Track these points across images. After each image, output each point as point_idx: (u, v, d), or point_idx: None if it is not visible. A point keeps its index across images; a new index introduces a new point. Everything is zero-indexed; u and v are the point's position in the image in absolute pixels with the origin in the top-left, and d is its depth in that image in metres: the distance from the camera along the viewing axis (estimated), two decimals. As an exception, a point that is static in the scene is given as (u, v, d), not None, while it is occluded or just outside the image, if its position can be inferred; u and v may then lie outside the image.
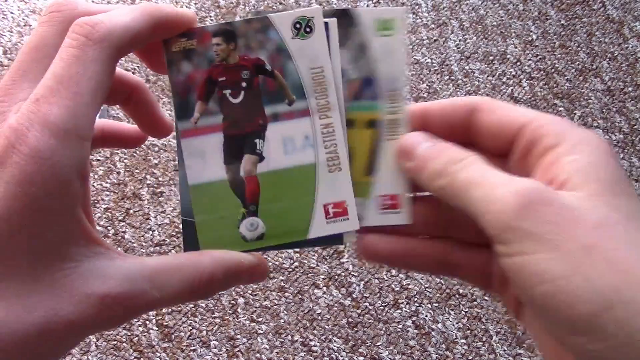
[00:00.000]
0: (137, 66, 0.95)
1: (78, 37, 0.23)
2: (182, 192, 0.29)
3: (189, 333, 0.75)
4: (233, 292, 0.77)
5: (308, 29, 0.28)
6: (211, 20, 1.01)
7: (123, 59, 0.96)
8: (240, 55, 0.28)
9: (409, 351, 0.75)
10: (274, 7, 1.04)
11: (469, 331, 0.76)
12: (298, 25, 0.28)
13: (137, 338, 0.74)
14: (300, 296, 0.77)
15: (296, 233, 0.28)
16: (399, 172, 0.29)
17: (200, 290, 0.25)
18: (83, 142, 0.23)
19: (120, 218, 0.82)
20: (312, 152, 0.28)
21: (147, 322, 0.75)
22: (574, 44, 1.02)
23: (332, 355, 0.74)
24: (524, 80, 0.98)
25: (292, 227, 0.28)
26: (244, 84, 0.29)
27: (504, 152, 0.28)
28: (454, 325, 0.76)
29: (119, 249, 0.80)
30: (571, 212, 0.22)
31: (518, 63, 1.00)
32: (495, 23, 1.04)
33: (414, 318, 0.77)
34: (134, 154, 0.87)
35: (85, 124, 0.23)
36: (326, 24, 0.28)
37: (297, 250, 0.80)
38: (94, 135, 0.30)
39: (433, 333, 0.76)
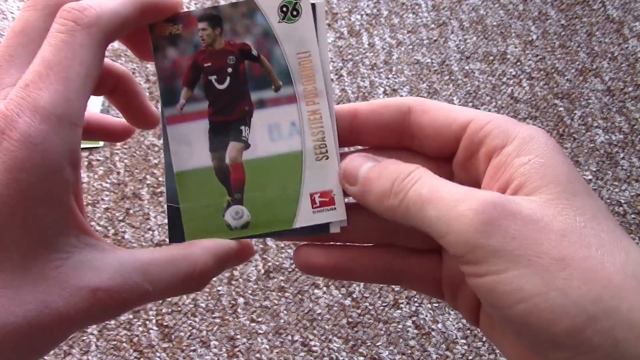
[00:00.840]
0: (138, 66, 0.95)
1: (66, 22, 0.23)
2: (168, 178, 0.28)
3: (189, 333, 0.75)
4: (233, 292, 0.77)
5: (295, 13, 0.28)
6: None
7: (123, 58, 0.96)
8: (226, 40, 0.28)
9: (409, 351, 0.75)
10: None
11: (469, 331, 0.76)
12: (285, 9, 0.28)
13: (137, 338, 0.74)
14: (300, 296, 0.77)
15: (282, 222, 0.28)
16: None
17: (193, 282, 0.25)
18: (74, 127, 0.22)
19: (120, 218, 0.82)
20: (299, 139, 0.28)
21: (147, 322, 0.75)
22: (574, 44, 1.02)
23: (332, 355, 0.74)
24: (524, 80, 0.98)
25: (277, 216, 0.28)
26: (229, 70, 0.28)
27: (445, 154, 0.27)
28: (454, 325, 0.76)
29: (119, 249, 0.80)
30: (537, 223, 0.21)
31: (518, 63, 1.00)
32: (495, 23, 1.04)
33: (414, 318, 0.77)
34: (134, 154, 0.87)
35: (76, 109, 0.22)
36: (313, 6, 0.28)
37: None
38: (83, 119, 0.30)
39: (433, 333, 0.76)
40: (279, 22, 0.28)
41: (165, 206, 0.29)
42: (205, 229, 0.28)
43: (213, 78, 0.28)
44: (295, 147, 0.28)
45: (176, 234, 0.28)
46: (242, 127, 0.28)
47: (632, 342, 0.19)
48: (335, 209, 0.28)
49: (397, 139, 0.28)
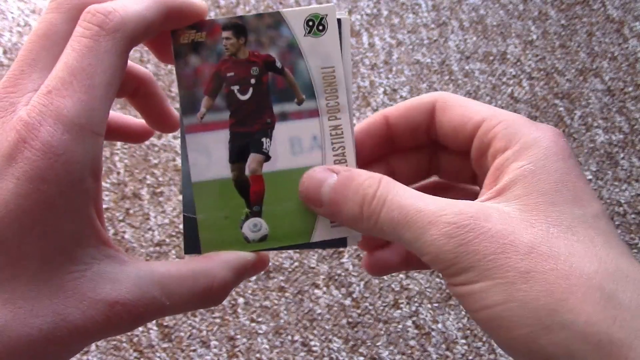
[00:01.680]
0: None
1: (91, 26, 0.22)
2: (185, 188, 0.28)
3: (189, 333, 0.74)
4: (233, 292, 0.77)
5: (321, 27, 0.28)
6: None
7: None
8: (250, 50, 0.28)
9: (409, 351, 0.75)
10: (274, 7, 1.04)
11: (469, 331, 0.76)
12: (311, 23, 0.28)
13: (137, 338, 0.74)
14: (300, 296, 0.77)
15: (299, 236, 0.28)
16: None
17: (211, 296, 0.25)
18: (97, 137, 0.22)
19: (120, 218, 0.82)
20: (319, 153, 0.28)
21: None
22: (574, 44, 1.02)
23: (332, 355, 0.74)
24: (524, 80, 0.98)
25: (295, 229, 0.28)
26: (252, 81, 0.28)
27: (466, 149, 0.27)
28: (454, 325, 0.76)
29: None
30: (506, 237, 0.22)
31: (518, 63, 1.00)
32: (495, 23, 1.04)
33: (414, 318, 0.77)
34: (134, 154, 0.87)
35: (99, 118, 0.22)
36: (339, 21, 0.28)
37: (297, 250, 0.80)
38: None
39: (433, 333, 0.76)
40: (305, 35, 0.28)
41: (182, 216, 0.29)
42: (222, 241, 0.28)
43: (235, 88, 0.28)
44: (315, 161, 0.28)
45: (192, 245, 0.28)
46: (263, 139, 0.28)
47: (588, 353, 0.20)
48: None
49: (428, 136, 0.28)
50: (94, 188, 0.22)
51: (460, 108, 0.27)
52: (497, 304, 0.21)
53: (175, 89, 0.94)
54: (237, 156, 0.28)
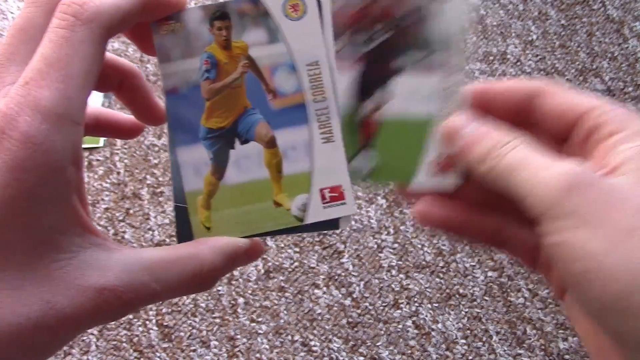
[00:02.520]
0: (137, 65, 0.95)
1: (66, 17, 0.22)
2: (174, 176, 0.28)
3: (189, 333, 0.74)
4: (233, 292, 0.77)
5: (299, 10, 0.28)
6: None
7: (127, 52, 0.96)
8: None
9: (409, 351, 0.75)
10: None
11: (469, 331, 0.76)
12: (289, 5, 0.28)
13: (137, 338, 0.74)
14: (300, 296, 0.77)
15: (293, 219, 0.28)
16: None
17: (201, 281, 0.25)
18: (76, 126, 0.22)
19: (120, 218, 0.82)
20: (306, 129, 0.28)
21: (147, 322, 0.75)
22: (574, 44, 1.02)
23: (332, 355, 0.74)
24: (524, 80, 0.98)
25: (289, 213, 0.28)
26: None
27: (564, 135, 0.27)
28: (454, 325, 0.76)
29: (119, 249, 0.80)
30: (616, 195, 0.22)
31: (518, 63, 1.00)
32: (495, 23, 1.04)
33: (414, 318, 0.77)
34: (134, 154, 0.87)
35: (78, 107, 0.22)
36: (319, 3, 0.28)
37: (297, 250, 0.80)
38: (89, 122, 0.29)
39: (433, 333, 0.76)
40: (284, 18, 0.28)
41: (173, 206, 0.29)
42: (215, 226, 0.28)
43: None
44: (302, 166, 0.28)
45: (184, 234, 0.28)
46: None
47: None
48: (345, 203, 0.28)
49: (522, 117, 0.29)
50: (75, 177, 0.22)
51: (570, 94, 0.27)
52: (596, 254, 0.21)
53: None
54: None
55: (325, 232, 0.29)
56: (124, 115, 0.31)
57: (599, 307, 0.21)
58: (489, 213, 0.29)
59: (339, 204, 0.28)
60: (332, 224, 0.28)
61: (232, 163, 0.28)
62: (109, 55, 0.27)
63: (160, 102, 0.31)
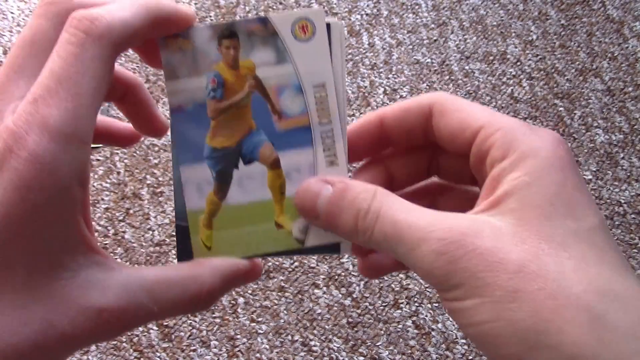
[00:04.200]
0: (137, 65, 0.95)
1: (77, 32, 0.22)
2: (176, 197, 0.28)
3: (189, 333, 0.74)
4: (233, 292, 0.77)
5: (309, 32, 0.27)
6: (211, 19, 1.01)
7: (122, 58, 0.96)
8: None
9: (409, 351, 0.75)
10: (274, 7, 1.04)
11: (469, 331, 0.76)
12: (299, 27, 0.28)
13: (137, 338, 0.74)
14: (300, 296, 0.77)
15: (293, 241, 0.28)
16: None
17: (200, 302, 0.25)
18: (83, 146, 0.22)
19: (120, 218, 0.82)
20: (311, 152, 0.28)
21: (147, 322, 0.75)
22: (574, 44, 1.02)
23: (332, 355, 0.74)
24: (524, 80, 0.98)
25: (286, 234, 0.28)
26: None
27: (465, 154, 0.27)
28: (454, 325, 0.76)
29: (119, 249, 0.80)
30: (495, 255, 0.22)
31: (518, 63, 1.00)
32: (495, 23, 1.04)
33: (414, 318, 0.77)
34: (134, 154, 0.87)
35: (86, 126, 0.22)
36: (328, 26, 0.27)
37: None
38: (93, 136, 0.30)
39: (433, 333, 0.76)
40: (294, 40, 0.27)
41: (174, 225, 0.29)
42: (215, 247, 0.28)
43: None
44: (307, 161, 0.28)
45: (184, 252, 0.28)
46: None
47: None
48: None
49: (425, 138, 0.28)
50: (81, 196, 0.22)
51: (457, 113, 0.26)
52: (485, 321, 0.22)
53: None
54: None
55: (327, 255, 0.29)
56: (122, 124, 0.31)
57: None
58: None
59: None
60: (333, 249, 0.28)
61: (235, 183, 0.28)
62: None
63: (161, 114, 0.31)
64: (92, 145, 0.22)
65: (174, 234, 0.81)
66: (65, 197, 0.21)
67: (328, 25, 0.27)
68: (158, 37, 0.27)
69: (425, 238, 0.23)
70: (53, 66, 0.22)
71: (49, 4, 0.23)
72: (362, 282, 0.79)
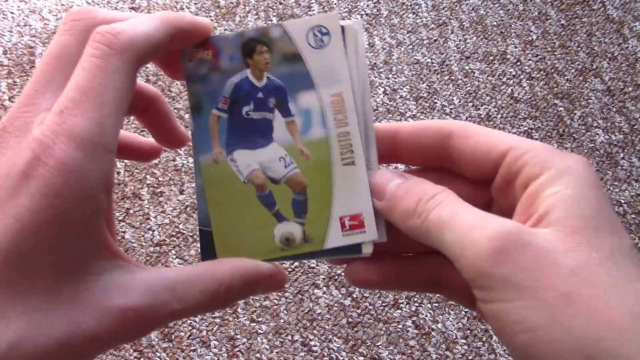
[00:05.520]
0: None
1: (100, 46, 0.23)
2: (200, 202, 0.28)
3: (189, 333, 0.75)
4: (233, 292, 0.77)
5: (324, 38, 0.28)
6: (211, 19, 1.01)
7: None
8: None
9: (409, 351, 0.75)
10: (274, 7, 1.04)
11: (469, 331, 0.76)
12: (314, 34, 0.28)
13: (137, 338, 0.74)
14: (300, 296, 0.77)
15: (312, 244, 0.28)
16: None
17: (220, 299, 0.25)
18: (108, 154, 0.23)
19: (120, 218, 0.82)
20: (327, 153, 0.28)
21: (147, 322, 0.75)
22: (574, 44, 1.02)
23: (332, 355, 0.74)
24: (524, 80, 0.98)
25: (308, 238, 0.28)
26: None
27: (486, 179, 0.27)
28: (454, 325, 0.76)
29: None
30: (548, 256, 0.21)
31: (518, 63, 1.00)
32: (495, 23, 1.04)
33: (414, 318, 0.77)
34: (134, 154, 0.87)
35: (110, 135, 0.23)
36: (342, 29, 0.27)
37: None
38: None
39: (433, 333, 0.76)
40: (309, 48, 0.28)
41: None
42: (238, 249, 0.28)
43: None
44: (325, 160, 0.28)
45: (208, 257, 0.28)
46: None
47: None
48: (365, 232, 0.28)
49: (437, 160, 0.28)
50: (105, 203, 0.23)
51: (482, 136, 0.26)
52: (538, 327, 0.20)
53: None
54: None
55: (343, 257, 0.29)
56: (142, 138, 0.32)
57: None
58: (422, 259, 0.29)
59: (359, 232, 0.28)
60: (354, 249, 0.28)
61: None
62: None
63: (181, 126, 0.31)
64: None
65: (174, 234, 0.81)
66: (91, 204, 0.22)
67: (342, 28, 0.27)
68: (179, 49, 0.28)
69: (479, 227, 0.22)
70: (78, 79, 0.23)
71: (74, 20, 0.24)
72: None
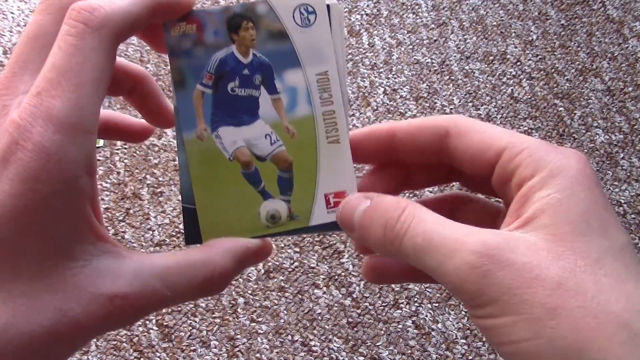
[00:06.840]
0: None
1: (76, 24, 0.22)
2: (182, 179, 0.28)
3: (189, 333, 0.75)
4: (233, 292, 0.77)
5: (310, 17, 0.28)
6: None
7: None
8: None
9: (409, 351, 0.75)
10: None
11: (469, 331, 0.76)
12: (300, 12, 0.28)
13: (137, 338, 0.74)
14: (300, 296, 0.77)
15: (297, 220, 0.28)
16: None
17: (213, 285, 0.25)
18: (89, 135, 0.22)
19: (120, 218, 0.82)
20: (312, 124, 0.28)
21: (147, 322, 0.75)
22: (574, 44, 1.02)
23: (332, 355, 0.74)
24: (524, 80, 0.98)
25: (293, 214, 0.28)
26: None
27: (485, 175, 0.27)
28: (454, 325, 0.76)
29: (119, 249, 0.80)
30: (532, 271, 0.21)
31: (518, 63, 1.00)
32: (495, 23, 1.04)
33: (414, 318, 0.77)
34: (134, 154, 0.87)
35: (90, 116, 0.22)
36: (328, 7, 0.27)
37: (297, 250, 0.80)
38: (99, 126, 0.30)
39: (433, 333, 0.76)
40: (295, 26, 0.28)
41: (181, 207, 0.29)
42: (224, 227, 0.28)
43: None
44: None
45: (192, 235, 0.28)
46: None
47: None
48: None
49: (437, 158, 0.28)
50: (89, 185, 0.22)
51: (477, 134, 0.26)
52: (523, 339, 0.21)
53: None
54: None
55: (328, 233, 0.29)
56: (133, 119, 0.31)
57: None
58: None
59: None
60: (334, 226, 0.28)
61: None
62: (119, 60, 0.27)
63: (171, 105, 0.31)
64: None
65: (174, 234, 0.81)
66: (72, 187, 0.22)
67: (328, 7, 0.28)
68: (161, 22, 0.27)
69: (458, 250, 0.22)
70: (54, 59, 0.22)
71: None
72: (362, 282, 0.79)
